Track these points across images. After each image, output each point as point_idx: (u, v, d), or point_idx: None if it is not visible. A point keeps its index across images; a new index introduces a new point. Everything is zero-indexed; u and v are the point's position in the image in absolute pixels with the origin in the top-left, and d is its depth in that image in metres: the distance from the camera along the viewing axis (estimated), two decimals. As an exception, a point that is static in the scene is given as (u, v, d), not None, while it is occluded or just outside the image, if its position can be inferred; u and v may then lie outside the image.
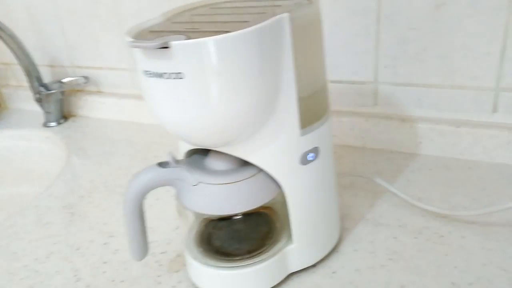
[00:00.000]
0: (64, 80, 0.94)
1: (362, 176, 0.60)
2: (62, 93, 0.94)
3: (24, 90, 1.04)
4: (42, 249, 0.57)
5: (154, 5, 0.79)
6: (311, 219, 0.44)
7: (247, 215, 0.43)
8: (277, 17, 0.36)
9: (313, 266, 0.47)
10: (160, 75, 0.35)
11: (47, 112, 0.95)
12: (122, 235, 0.57)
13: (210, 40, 0.33)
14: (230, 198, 0.41)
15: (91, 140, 0.86)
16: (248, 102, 0.36)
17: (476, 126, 0.62)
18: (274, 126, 0.39)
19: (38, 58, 0.98)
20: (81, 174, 0.74)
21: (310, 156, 0.42)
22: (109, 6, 0.84)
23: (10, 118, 1.02)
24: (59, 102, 0.95)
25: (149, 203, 0.62)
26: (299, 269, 0.46)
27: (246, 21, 0.37)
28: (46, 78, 0.97)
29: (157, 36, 0.36)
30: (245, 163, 0.42)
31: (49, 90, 0.92)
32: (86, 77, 0.94)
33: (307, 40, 0.39)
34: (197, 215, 0.45)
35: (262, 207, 0.42)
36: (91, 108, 0.96)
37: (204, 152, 0.45)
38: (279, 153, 0.41)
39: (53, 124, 0.95)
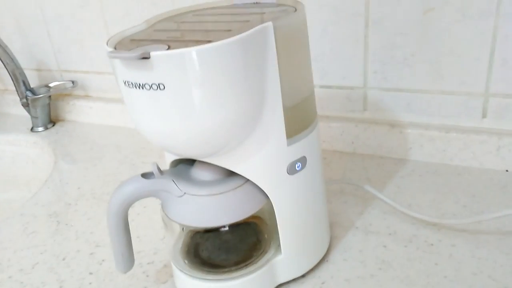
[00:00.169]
0: (51, 85, 0.93)
1: (352, 183, 0.59)
2: (49, 97, 0.93)
3: (11, 94, 1.02)
4: (28, 259, 0.55)
5: (141, 9, 0.78)
6: (299, 229, 0.44)
7: (234, 225, 0.42)
8: (261, 26, 0.35)
9: (302, 276, 0.46)
10: (140, 86, 0.34)
11: (34, 117, 0.93)
12: (108, 245, 0.56)
13: (191, 51, 0.32)
14: (216, 210, 0.40)
15: (79, 145, 0.85)
16: (232, 113, 0.35)
17: (466, 132, 0.61)
18: (260, 137, 0.38)
19: (25, 62, 0.96)
20: (67, 181, 0.73)
21: (298, 165, 0.41)
22: (96, 10, 0.83)
23: (-3, 123, 1.01)
24: (46, 107, 0.94)
25: (136, 211, 0.61)
26: (287, 280, 0.46)
27: (229, 30, 0.36)
28: (33, 82, 0.95)
29: (138, 45, 0.36)
30: (231, 173, 0.41)
31: (36, 95, 0.91)
32: (73, 81, 0.93)
33: (292, 48, 0.38)
34: (184, 226, 0.44)
35: (250, 216, 0.41)
36: (78, 112, 0.94)
37: (190, 162, 0.44)
38: (266, 163, 0.40)
39: (40, 129, 0.93)
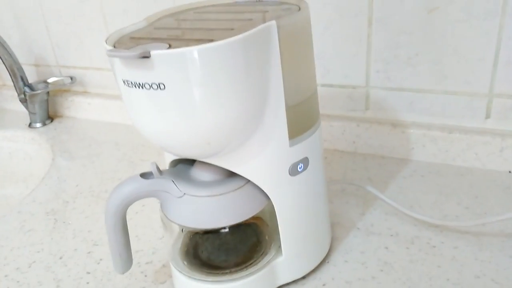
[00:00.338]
0: (50, 80, 0.92)
1: (353, 184, 0.59)
2: (48, 93, 0.92)
3: (9, 90, 1.01)
4: (25, 258, 0.55)
5: (140, 5, 0.77)
6: (301, 230, 0.43)
7: (234, 226, 0.42)
8: (264, 24, 0.34)
9: (303, 278, 0.46)
10: (140, 85, 0.33)
11: (32, 113, 0.92)
12: (106, 244, 0.55)
13: (192, 50, 0.31)
14: (216, 211, 0.40)
15: (77, 141, 0.84)
16: (233, 113, 0.35)
17: (469, 132, 0.61)
18: (262, 137, 0.38)
19: (23, 57, 0.95)
20: (65, 178, 0.72)
21: (300, 166, 0.40)
22: (95, 5, 0.82)
23: (-5, 118, 1.00)
24: (44, 103, 0.93)
25: (135, 210, 0.61)
26: (288, 281, 0.45)
27: (231, 29, 0.35)
28: (31, 78, 0.95)
29: (138, 43, 0.35)
30: (232, 174, 0.40)
31: (34, 90, 0.90)
32: (72, 77, 0.92)
33: (296, 47, 0.38)
34: (183, 227, 0.43)
35: (251, 217, 0.41)
36: (77, 108, 0.94)
37: (190, 161, 0.43)
38: (268, 164, 0.39)
39: (38, 125, 0.93)
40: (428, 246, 0.49)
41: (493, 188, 0.57)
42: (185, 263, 0.44)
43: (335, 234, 0.52)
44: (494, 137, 0.59)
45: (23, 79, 0.90)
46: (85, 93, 0.93)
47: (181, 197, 0.40)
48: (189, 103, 0.33)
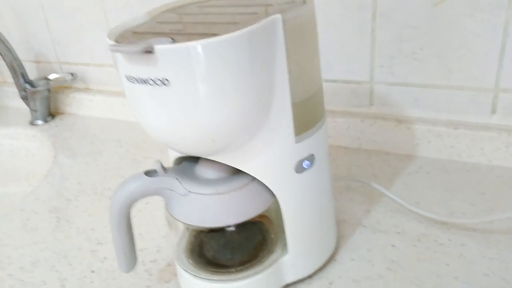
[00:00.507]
0: (51, 77, 0.91)
1: (358, 180, 0.58)
2: (49, 90, 0.91)
3: (10, 87, 1.00)
4: (28, 257, 0.54)
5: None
6: (307, 228, 0.43)
7: (240, 224, 0.41)
8: (269, 18, 0.33)
9: (309, 277, 0.45)
10: (144, 81, 0.33)
11: (33, 110, 0.92)
12: (110, 242, 0.55)
13: (197, 44, 0.31)
14: (221, 209, 0.39)
15: (79, 139, 0.83)
16: (239, 110, 0.34)
17: (475, 128, 0.60)
18: (267, 134, 0.37)
19: (23, 54, 0.94)
20: (68, 176, 0.71)
21: (306, 163, 0.40)
22: (95, 0, 0.81)
23: (-4, 116, 1.00)
24: (45, 100, 0.92)
25: (138, 208, 0.60)
26: (294, 280, 0.44)
27: (236, 23, 0.35)
28: (32, 75, 0.94)
29: (140, 38, 0.34)
30: (237, 171, 0.40)
31: (35, 87, 0.89)
32: (73, 74, 0.91)
33: (301, 42, 0.37)
34: (188, 225, 0.43)
35: (256, 215, 0.40)
36: (78, 105, 0.93)
37: (194, 159, 0.42)
38: (273, 161, 0.39)
39: (39, 122, 0.92)
40: (435, 244, 0.48)
41: (499, 184, 0.56)
42: (190, 261, 0.43)
43: (341, 231, 0.51)
44: (500, 132, 0.58)
45: (24, 76, 0.89)
46: (86, 89, 0.93)
47: (186, 195, 0.40)
48: (194, 98, 0.33)
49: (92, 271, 0.51)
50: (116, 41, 0.34)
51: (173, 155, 0.44)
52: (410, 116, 0.64)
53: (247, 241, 0.43)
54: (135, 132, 0.83)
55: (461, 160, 0.62)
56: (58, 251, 0.55)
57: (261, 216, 0.41)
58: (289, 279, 0.44)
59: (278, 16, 0.34)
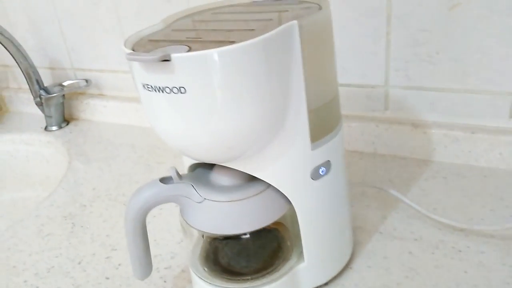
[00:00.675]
0: (65, 83, 0.92)
1: (374, 186, 0.57)
2: (63, 96, 0.92)
3: (25, 93, 1.02)
4: (43, 263, 0.55)
5: (154, 6, 0.77)
6: (323, 235, 0.42)
7: (255, 232, 0.41)
8: (286, 24, 0.33)
9: (325, 284, 0.45)
10: (160, 89, 0.32)
11: (48, 116, 0.93)
12: (125, 248, 0.55)
13: (214, 52, 0.30)
14: (237, 217, 0.39)
15: (93, 144, 0.84)
16: (255, 117, 0.34)
17: (492, 132, 0.59)
18: (284, 141, 0.37)
19: (38, 61, 0.95)
20: (82, 181, 0.72)
21: (322, 170, 0.39)
22: (109, 6, 0.82)
23: (11, 122, 1.01)
24: (60, 106, 0.93)
25: (153, 214, 0.60)
26: (310, 288, 0.44)
27: (251, 29, 0.34)
28: (47, 81, 0.95)
29: (156, 46, 0.34)
30: (253, 178, 0.39)
31: (50, 94, 0.90)
32: (87, 80, 0.92)
33: (318, 48, 0.37)
34: (204, 233, 0.42)
35: (272, 222, 0.40)
36: (93, 111, 0.94)
37: (209, 166, 0.42)
38: (289, 168, 0.38)
39: (54, 128, 0.93)
40: (454, 251, 0.47)
41: (519, 189, 0.55)
42: (205, 269, 0.43)
43: (357, 238, 0.51)
44: (519, 137, 0.57)
45: (39, 82, 0.90)
46: (100, 95, 0.93)
47: (201, 202, 0.40)
48: (210, 106, 0.32)
49: (107, 278, 0.51)
50: (133, 49, 0.34)
51: (188, 162, 0.44)
52: (426, 121, 0.63)
53: (263, 248, 0.42)
54: (149, 137, 0.83)
55: (478, 165, 0.61)
56: (73, 257, 0.55)
57: (276, 223, 0.41)
58: (305, 287, 0.43)
59: (295, 22, 0.33)
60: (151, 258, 0.44)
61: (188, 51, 0.32)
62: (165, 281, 0.49)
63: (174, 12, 0.43)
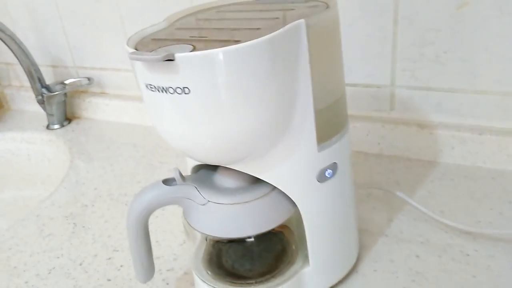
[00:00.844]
0: (67, 81, 0.91)
1: (380, 188, 0.56)
2: (65, 94, 0.92)
3: (27, 91, 1.01)
4: (44, 264, 0.54)
5: (158, 4, 0.76)
6: (329, 239, 0.41)
7: (260, 235, 0.40)
8: (293, 23, 0.32)
9: (330, 288, 0.44)
10: (164, 90, 0.32)
11: (50, 114, 0.92)
12: (127, 250, 0.54)
13: (219, 52, 0.30)
14: (241, 220, 0.38)
15: (95, 143, 0.83)
16: (261, 118, 0.33)
17: (500, 133, 0.58)
18: (289, 142, 0.36)
19: (40, 59, 0.95)
20: (84, 181, 0.71)
21: (328, 172, 0.39)
22: (111, 4, 0.81)
23: (13, 120, 1.00)
24: (62, 104, 0.92)
25: (155, 214, 0.59)
26: (315, 292, 0.43)
27: (257, 28, 0.34)
28: (49, 79, 0.94)
29: (160, 45, 0.33)
30: (257, 180, 0.39)
31: (52, 92, 0.90)
32: (89, 78, 0.91)
33: (325, 47, 0.36)
34: (207, 236, 0.42)
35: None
36: (95, 110, 0.93)
37: (213, 167, 0.41)
38: (295, 170, 0.37)
39: (56, 126, 0.92)
40: (462, 255, 0.46)
41: (527, 192, 0.55)
42: (209, 272, 0.42)
43: (363, 241, 0.50)
44: (528, 138, 0.56)
45: (41, 80, 0.89)
46: (102, 94, 0.93)
47: (204, 204, 0.39)
48: (214, 107, 0.32)
49: (109, 280, 0.50)
50: (136, 48, 0.34)
51: (191, 163, 0.43)
52: (433, 121, 0.62)
53: (267, 252, 0.42)
54: (151, 136, 0.82)
55: (486, 166, 0.60)
56: (74, 258, 0.54)
57: (281, 226, 0.40)
58: (311, 291, 0.43)
59: (302, 21, 0.32)
60: (153, 261, 0.43)
61: (192, 50, 0.31)
62: (167, 284, 0.48)
63: (177, 11, 0.42)
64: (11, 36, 0.83)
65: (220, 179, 0.40)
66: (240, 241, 0.41)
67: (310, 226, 0.40)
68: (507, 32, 0.54)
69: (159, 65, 0.30)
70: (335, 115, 0.39)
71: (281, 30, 0.31)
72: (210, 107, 0.32)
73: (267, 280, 0.41)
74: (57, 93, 0.89)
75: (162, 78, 0.31)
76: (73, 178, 0.73)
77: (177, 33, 0.36)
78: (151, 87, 0.32)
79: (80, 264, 0.53)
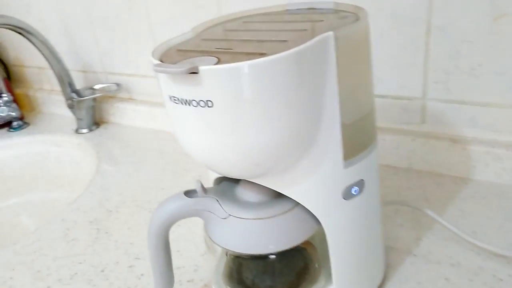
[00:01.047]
0: (96, 87, 0.93)
1: (409, 205, 0.54)
2: (94, 99, 0.93)
3: (57, 95, 1.03)
4: (67, 269, 0.54)
5: (185, 12, 0.76)
6: (353, 258, 0.40)
7: (282, 251, 0.39)
8: (321, 36, 0.31)
9: (354, 309, 0.42)
10: (187, 102, 0.31)
11: (79, 119, 0.93)
12: (148, 258, 0.54)
13: (243, 65, 0.29)
14: (263, 236, 0.37)
15: (122, 148, 0.84)
16: (286, 133, 0.32)
17: (539, 151, 0.55)
18: (315, 158, 0.35)
19: (71, 64, 0.97)
20: (109, 186, 0.71)
21: (354, 190, 0.37)
22: (141, 13, 0.82)
23: (43, 123, 1.02)
24: (91, 109, 0.94)
25: (177, 223, 0.58)
26: (337, 312, 0.42)
27: (284, 40, 0.33)
28: (78, 84, 0.96)
29: (185, 56, 0.33)
30: (280, 195, 0.38)
31: (81, 97, 0.91)
32: (118, 84, 0.92)
33: (354, 61, 0.34)
34: (228, 251, 0.41)
35: (299, 242, 0.38)
36: (122, 115, 0.94)
37: (235, 179, 0.41)
38: (320, 187, 0.36)
39: (85, 130, 0.94)
40: (494, 279, 0.44)
41: None
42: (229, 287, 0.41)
43: (389, 261, 0.48)
44: None
45: (71, 85, 0.91)
46: (130, 99, 0.94)
47: (225, 218, 0.38)
48: (238, 121, 0.31)
49: (129, 288, 0.50)
50: (161, 60, 0.33)
51: (213, 174, 0.42)
52: (466, 136, 0.60)
53: (289, 269, 0.41)
54: (177, 143, 0.82)
55: (522, 185, 0.57)
56: (96, 264, 0.54)
57: (305, 242, 0.39)
58: (333, 311, 0.41)
59: (331, 33, 0.31)
60: (173, 272, 0.42)
61: (217, 63, 0.30)
62: (187, 295, 0.48)
63: (205, 20, 0.41)
64: (43, 42, 0.85)
65: (242, 192, 0.39)
66: (262, 257, 0.40)
67: (334, 244, 0.38)
68: (548, 45, 0.52)
69: (183, 78, 0.30)
70: (363, 130, 0.37)
71: (308, 43, 0.30)
72: (234, 121, 0.31)
73: (288, 298, 0.40)
74: (86, 97, 0.91)
75: (185, 90, 0.31)
76: (99, 183, 0.73)
77: (202, 44, 0.36)
78: (174, 99, 0.32)
79: (102, 271, 0.53)
